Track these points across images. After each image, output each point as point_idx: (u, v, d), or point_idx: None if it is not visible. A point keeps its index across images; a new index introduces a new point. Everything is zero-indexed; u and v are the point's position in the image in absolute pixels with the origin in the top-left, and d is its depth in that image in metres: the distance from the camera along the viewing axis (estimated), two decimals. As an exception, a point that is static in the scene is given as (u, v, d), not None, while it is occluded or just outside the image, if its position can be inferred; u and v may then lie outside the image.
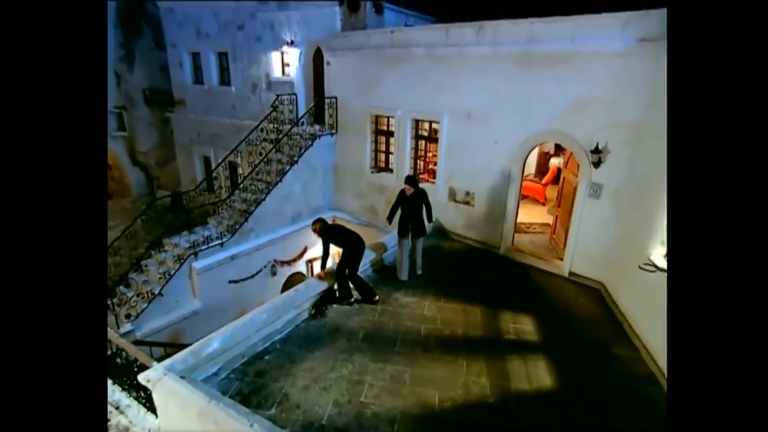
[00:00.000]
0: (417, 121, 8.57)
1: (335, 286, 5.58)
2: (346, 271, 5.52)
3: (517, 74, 6.65)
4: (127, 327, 6.84)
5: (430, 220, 6.15)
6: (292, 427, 3.53)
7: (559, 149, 11.40)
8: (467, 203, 7.91)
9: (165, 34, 13.10)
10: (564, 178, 7.57)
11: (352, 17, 9.60)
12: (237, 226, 8.22)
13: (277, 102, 9.89)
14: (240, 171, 10.95)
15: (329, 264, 5.63)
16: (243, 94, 11.85)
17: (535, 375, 4.43)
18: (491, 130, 7.19)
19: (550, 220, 8.54)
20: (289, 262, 9.58)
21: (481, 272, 6.94)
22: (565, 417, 3.86)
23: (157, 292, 7.29)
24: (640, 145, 5.52)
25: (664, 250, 4.80)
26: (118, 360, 4.20)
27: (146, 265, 7.99)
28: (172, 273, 7.46)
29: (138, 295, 7.38)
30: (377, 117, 9.11)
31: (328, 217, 9.50)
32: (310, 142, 9.24)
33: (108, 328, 4.24)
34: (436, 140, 8.30)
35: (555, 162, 11.25)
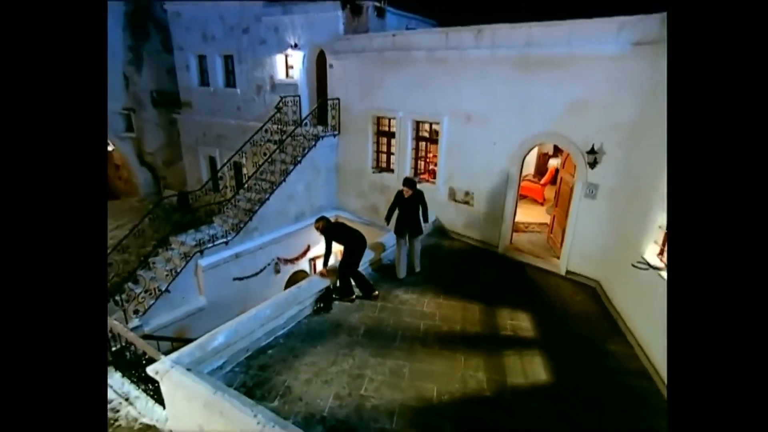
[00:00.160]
0: (418, 123, 8.62)
1: (337, 283, 5.65)
2: (349, 268, 5.58)
3: (515, 77, 6.69)
4: (135, 322, 6.93)
5: (426, 220, 6.21)
6: (295, 418, 3.59)
7: (557, 150, 11.41)
8: (467, 203, 7.96)
9: (172, 38, 13.18)
10: (561, 178, 7.60)
11: (355, 21, 9.65)
12: (241, 225, 8.30)
13: (281, 103, 9.96)
14: (245, 171, 11.04)
15: (331, 261, 5.69)
16: (248, 95, 11.93)
17: (531, 370, 4.48)
18: (490, 131, 7.23)
19: (548, 219, 8.57)
20: (293, 260, 9.65)
21: (480, 270, 6.98)
22: (559, 411, 3.91)
23: (164, 289, 7.38)
24: (635, 147, 5.56)
25: (657, 248, 4.84)
26: (127, 354, 4.28)
27: (154, 263, 8.08)
28: (178, 270, 7.54)
29: (146, 292, 7.47)
30: (379, 118, 9.16)
31: (331, 216, 9.55)
32: (313, 143, 9.30)
33: (117, 323, 4.33)
34: (436, 141, 8.34)
35: (553, 163, 11.27)
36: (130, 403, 3.94)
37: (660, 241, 4.82)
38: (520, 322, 5.38)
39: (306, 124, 9.92)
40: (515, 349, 4.81)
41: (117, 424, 3.71)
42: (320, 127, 10.07)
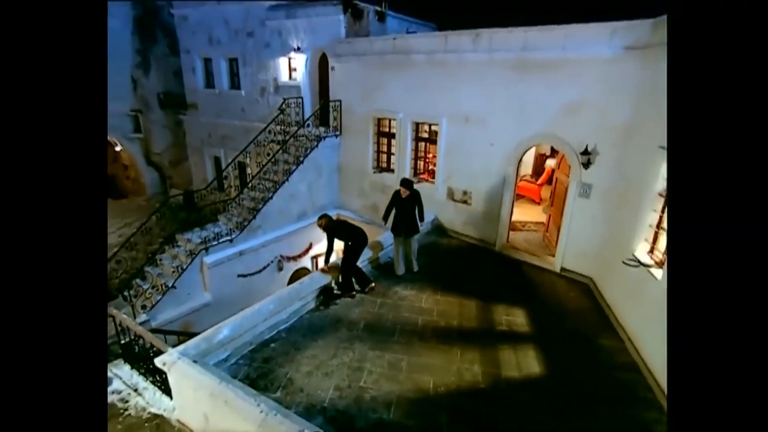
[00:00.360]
0: (417, 124, 8.68)
1: (339, 279, 5.71)
2: (350, 264, 5.65)
3: (512, 80, 6.75)
4: (142, 317, 7.02)
5: (422, 220, 6.25)
6: (296, 408, 3.66)
7: (554, 151, 11.45)
8: (465, 202, 8.02)
9: (179, 41, 13.28)
10: (557, 178, 7.66)
11: (356, 25, 9.72)
12: (245, 223, 8.37)
13: (284, 105, 10.02)
14: (249, 171, 11.12)
15: (332, 258, 5.76)
16: (252, 97, 12.00)
17: (525, 363, 4.54)
18: (488, 132, 7.29)
19: (544, 218, 8.63)
20: (295, 258, 9.72)
21: (477, 268, 7.04)
22: (550, 402, 3.97)
23: (170, 285, 7.46)
24: (627, 148, 5.61)
25: (647, 246, 4.90)
26: (136, 347, 4.35)
27: (160, 259, 8.17)
28: (184, 267, 7.62)
29: (153, 288, 7.56)
30: (379, 119, 9.23)
31: (333, 215, 9.62)
32: (316, 144, 9.37)
33: (126, 317, 4.41)
34: (435, 142, 8.40)
35: (550, 163, 11.31)
36: (139, 394, 4.02)
37: (650, 239, 4.87)
38: (516, 318, 5.44)
39: (308, 125, 10.00)
40: (510, 344, 4.88)
41: (126, 413, 3.79)
42: (322, 128, 10.15)
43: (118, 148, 15.41)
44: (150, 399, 3.95)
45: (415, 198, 6.07)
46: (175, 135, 15.10)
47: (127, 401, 3.94)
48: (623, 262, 4.92)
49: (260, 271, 8.86)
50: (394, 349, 4.66)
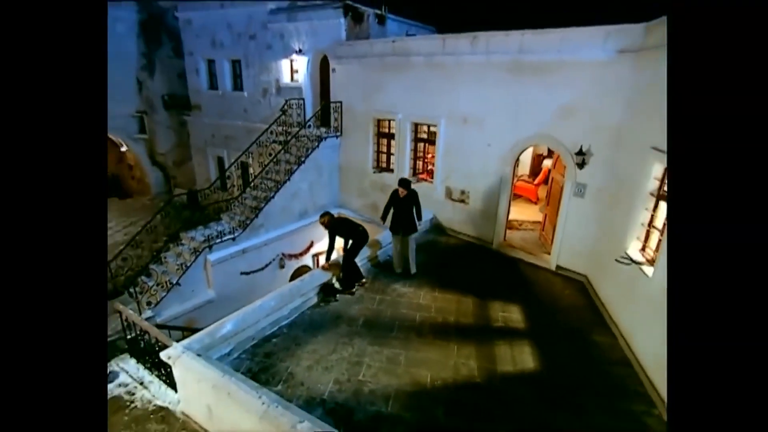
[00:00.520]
0: (416, 125, 8.72)
1: (340, 276, 5.76)
2: (351, 261, 5.70)
3: (508, 81, 6.79)
4: (148, 313, 7.09)
5: (419, 219, 6.26)
6: (297, 401, 3.72)
7: (551, 151, 11.48)
8: (463, 201, 8.06)
9: (183, 44, 13.34)
10: (552, 178, 7.70)
11: (356, 27, 9.77)
12: (248, 222, 8.43)
13: (286, 106, 10.09)
14: (251, 170, 11.17)
15: (333, 256, 5.82)
16: (254, 98, 12.06)
17: (520, 359, 4.59)
18: (485, 133, 7.33)
19: (540, 217, 8.67)
20: (297, 256, 9.78)
21: (475, 266, 7.09)
22: (544, 396, 4.03)
23: (175, 282, 7.53)
24: (619, 148, 5.66)
25: (639, 244, 4.95)
26: (142, 343, 4.41)
27: (165, 257, 8.23)
28: (188, 264, 7.69)
29: (158, 284, 7.63)
30: (379, 120, 9.27)
31: (334, 213, 9.67)
32: (317, 144, 9.42)
33: (132, 313, 4.47)
34: (434, 142, 8.44)
35: (547, 163, 11.35)
36: (145, 387, 4.08)
37: (642, 238, 4.92)
38: (511, 314, 5.49)
39: (310, 126, 10.05)
40: (506, 340, 4.92)
41: (133, 405, 3.85)
42: (323, 129, 10.20)
43: (123, 149, 15.48)
44: (155, 392, 4.01)
45: (413, 197, 6.10)
46: (179, 135, 15.17)
47: (133, 394, 4.00)
48: (616, 260, 4.97)
49: (262, 269, 8.93)
50: (393, 344, 4.71)
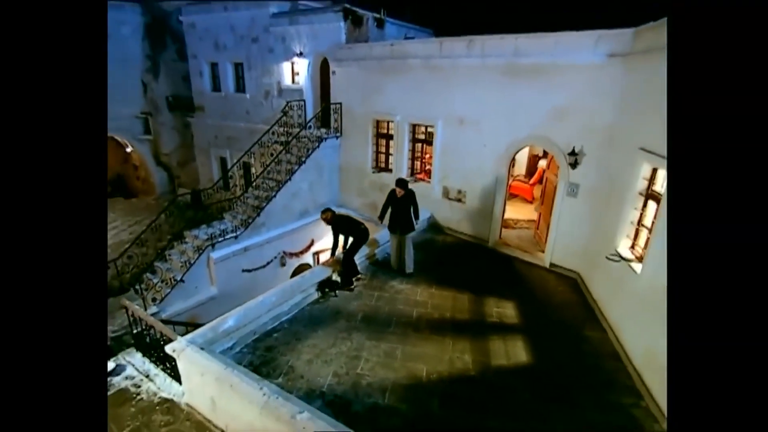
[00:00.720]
0: (414, 126, 8.78)
1: (340, 273, 5.82)
2: (351, 258, 5.75)
3: (503, 84, 6.84)
4: (153, 309, 7.16)
5: (417, 218, 6.30)
6: (297, 393, 3.77)
7: (546, 152, 11.53)
8: (459, 201, 8.12)
9: (187, 47, 13.39)
10: (546, 178, 7.76)
11: (356, 31, 9.82)
12: (250, 221, 8.49)
13: (287, 107, 10.16)
14: (253, 170, 11.24)
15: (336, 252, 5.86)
16: (256, 100, 12.11)
17: (514, 353, 4.64)
18: (481, 134, 7.38)
19: (535, 216, 8.72)
20: (297, 254, 9.84)
21: (471, 263, 7.14)
22: (535, 389, 4.08)
23: (179, 279, 7.60)
24: (610, 149, 5.71)
25: (629, 242, 5.01)
26: (147, 337, 4.48)
27: (169, 255, 8.30)
28: (192, 262, 7.76)
29: (162, 281, 7.70)
30: (378, 121, 9.32)
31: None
32: (317, 144, 9.47)
33: (138, 308, 4.54)
34: (431, 143, 8.48)
35: (542, 164, 11.38)
36: (150, 380, 4.14)
37: (632, 236, 4.98)
38: (506, 310, 5.54)
39: (310, 127, 10.10)
40: (500, 334, 4.98)
41: (139, 397, 3.91)
42: (323, 130, 10.25)
43: (128, 149, 15.56)
44: (161, 384, 4.07)
45: (410, 197, 6.15)
46: (183, 136, 15.24)
47: (139, 386, 4.06)
48: (606, 257, 5.03)
49: (264, 267, 8.99)
50: (390, 339, 4.77)
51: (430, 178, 8.74)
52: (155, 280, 7.82)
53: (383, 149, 9.58)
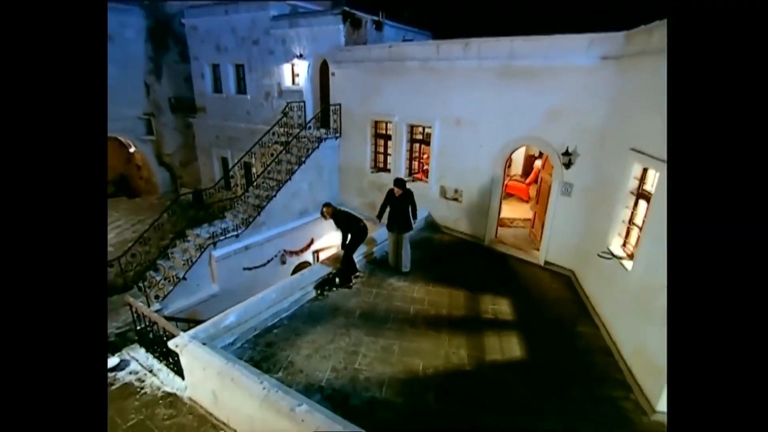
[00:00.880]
0: (412, 126, 8.81)
1: (339, 270, 5.85)
2: (351, 255, 5.78)
3: (499, 85, 6.88)
4: (156, 306, 7.19)
5: (414, 217, 6.32)
6: (296, 387, 3.82)
7: (542, 152, 11.57)
8: (456, 200, 8.16)
9: (189, 49, 13.41)
10: (541, 177, 7.80)
11: (355, 33, 9.85)
12: (251, 220, 8.52)
13: (287, 108, 10.19)
14: (254, 170, 11.27)
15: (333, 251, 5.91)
16: (257, 101, 12.14)
17: (508, 348, 4.69)
18: (477, 135, 7.42)
19: (531, 215, 8.77)
20: (297, 253, 9.88)
21: (467, 261, 7.18)
22: (530, 383, 4.13)
23: (181, 277, 7.64)
24: (603, 149, 5.76)
25: (620, 240, 5.06)
26: (150, 334, 4.52)
27: (172, 253, 8.34)
28: (194, 260, 7.79)
29: (165, 279, 7.73)
30: (377, 122, 9.36)
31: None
32: (317, 145, 9.50)
33: (141, 305, 4.58)
34: (429, 143, 8.51)
35: (538, 164, 11.42)
36: (154, 375, 4.18)
37: (623, 234, 5.03)
38: (501, 307, 5.59)
39: (310, 128, 10.14)
40: (495, 330, 5.03)
41: (143, 392, 3.95)
42: (323, 130, 10.29)
43: (131, 150, 15.56)
44: (164, 379, 4.11)
45: (408, 197, 6.17)
46: (185, 137, 15.27)
47: (143, 381, 4.10)
48: (598, 255, 5.08)
49: (264, 265, 9.02)
50: (387, 335, 4.81)
51: (427, 177, 8.78)
52: (158, 278, 7.85)
53: (382, 149, 9.61)
